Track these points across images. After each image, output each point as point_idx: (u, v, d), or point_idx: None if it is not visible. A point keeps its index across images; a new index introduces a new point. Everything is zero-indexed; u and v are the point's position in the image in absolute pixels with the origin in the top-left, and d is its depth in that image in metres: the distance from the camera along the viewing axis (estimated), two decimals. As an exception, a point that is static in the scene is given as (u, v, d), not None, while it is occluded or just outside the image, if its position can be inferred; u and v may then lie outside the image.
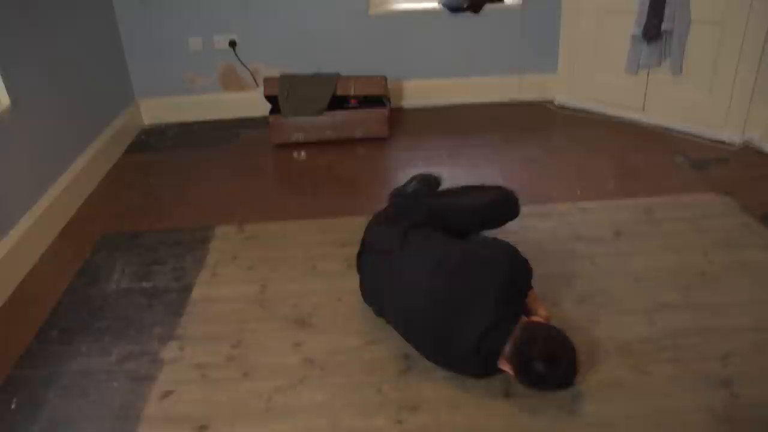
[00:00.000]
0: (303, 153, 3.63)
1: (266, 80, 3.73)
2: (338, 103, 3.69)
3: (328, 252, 2.66)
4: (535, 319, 1.96)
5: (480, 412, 1.87)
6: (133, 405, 1.98)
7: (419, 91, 4.13)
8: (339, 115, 3.67)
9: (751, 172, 3.15)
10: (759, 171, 3.15)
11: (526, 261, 2.03)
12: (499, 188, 2.46)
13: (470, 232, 2.34)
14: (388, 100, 3.81)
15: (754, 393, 1.89)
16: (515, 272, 1.98)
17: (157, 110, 4.09)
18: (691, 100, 3.51)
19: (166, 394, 2.01)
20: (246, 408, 1.94)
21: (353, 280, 2.43)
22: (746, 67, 3.23)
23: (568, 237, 2.68)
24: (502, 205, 2.38)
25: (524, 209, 2.39)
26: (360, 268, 2.26)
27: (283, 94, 3.64)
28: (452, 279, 1.96)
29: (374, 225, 2.32)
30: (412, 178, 2.71)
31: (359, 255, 2.27)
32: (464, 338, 1.86)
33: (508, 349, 1.82)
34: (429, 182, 2.68)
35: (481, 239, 2.22)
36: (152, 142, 3.88)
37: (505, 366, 1.85)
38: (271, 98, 3.74)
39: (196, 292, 2.47)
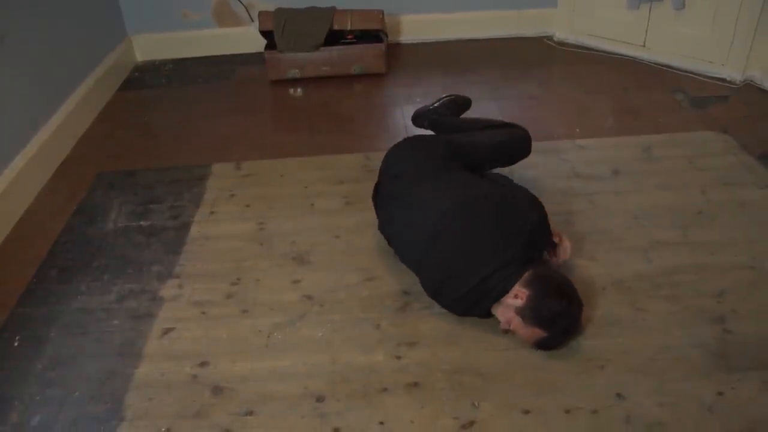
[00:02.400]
0: (299, 89, 3.58)
1: (261, 15, 3.65)
2: (335, 38, 3.63)
3: (325, 189, 2.65)
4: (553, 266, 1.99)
5: (477, 348, 1.89)
6: (134, 342, 2.00)
7: (417, 26, 4.05)
8: (335, 51, 3.61)
9: (750, 110, 3.12)
10: (759, 109, 3.13)
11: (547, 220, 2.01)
12: (512, 126, 2.42)
13: (482, 169, 2.31)
14: (386, 34, 3.74)
15: (747, 330, 1.92)
16: (542, 225, 1.97)
17: (150, 46, 4.01)
18: (692, 36, 3.45)
19: (167, 331, 2.03)
20: (246, 344, 1.96)
21: (351, 217, 2.44)
22: (750, 2, 3.17)
23: (566, 175, 2.67)
24: (517, 143, 2.36)
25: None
26: (377, 197, 2.24)
27: (278, 29, 3.57)
28: (486, 210, 1.96)
29: (398, 152, 2.27)
30: (438, 100, 2.66)
31: (377, 185, 2.25)
32: (480, 269, 1.86)
33: (521, 280, 1.84)
34: (457, 104, 2.64)
35: (512, 185, 2.21)
36: (146, 79, 3.82)
37: (518, 296, 1.83)
38: (266, 33, 3.67)
39: (194, 230, 2.47)
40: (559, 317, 1.80)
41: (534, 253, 1.94)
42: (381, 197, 2.22)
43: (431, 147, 2.25)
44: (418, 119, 2.63)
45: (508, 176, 2.39)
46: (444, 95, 2.68)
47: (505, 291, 1.84)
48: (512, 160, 2.39)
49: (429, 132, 2.56)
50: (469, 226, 1.93)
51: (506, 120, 2.53)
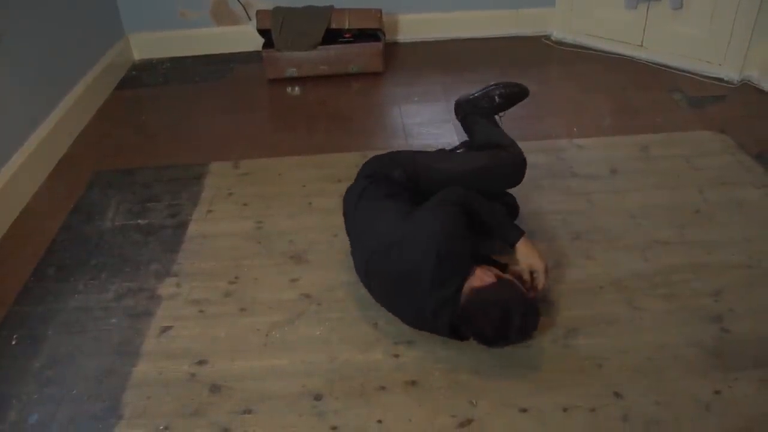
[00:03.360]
0: (297, 88, 3.58)
1: (259, 13, 3.65)
2: (332, 37, 3.62)
3: (323, 188, 2.65)
4: (477, 284, 1.77)
5: (475, 346, 1.88)
6: (132, 341, 2.00)
7: (415, 25, 4.05)
8: (333, 50, 3.60)
9: (748, 110, 3.13)
10: (756, 109, 3.13)
11: (454, 230, 1.84)
12: (504, 148, 2.21)
13: None
14: (384, 33, 3.75)
15: (744, 328, 1.92)
16: (445, 245, 1.79)
17: (147, 45, 4.00)
18: (690, 36, 3.46)
19: (165, 329, 2.03)
20: (244, 343, 1.97)
21: (349, 217, 2.44)
22: (747, 3, 3.17)
23: (564, 174, 2.67)
24: (501, 173, 2.16)
25: (521, 145, 2.34)
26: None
27: (276, 28, 3.57)
28: (387, 263, 1.89)
29: (356, 179, 2.18)
30: (485, 88, 2.43)
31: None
32: (417, 322, 1.89)
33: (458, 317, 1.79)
34: (505, 97, 2.41)
35: (427, 208, 1.94)
36: (144, 78, 3.82)
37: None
38: (263, 32, 3.67)
39: (192, 229, 2.47)
40: (502, 340, 1.79)
41: (456, 285, 1.78)
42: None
43: (383, 177, 2.12)
44: (458, 108, 2.47)
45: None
46: (492, 83, 2.44)
47: (450, 331, 1.83)
48: (494, 189, 2.17)
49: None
50: (381, 287, 1.95)
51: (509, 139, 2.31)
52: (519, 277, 1.93)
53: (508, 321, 1.73)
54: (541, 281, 1.94)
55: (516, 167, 2.16)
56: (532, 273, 1.94)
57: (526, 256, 1.93)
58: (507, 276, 1.85)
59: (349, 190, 2.17)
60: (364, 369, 1.86)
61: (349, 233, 2.12)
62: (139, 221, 2.53)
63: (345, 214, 2.15)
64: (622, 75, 3.54)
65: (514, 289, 1.79)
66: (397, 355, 1.89)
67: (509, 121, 2.48)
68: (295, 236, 2.39)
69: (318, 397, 1.78)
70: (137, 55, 4.02)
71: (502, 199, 2.25)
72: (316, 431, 1.69)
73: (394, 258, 1.87)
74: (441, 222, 1.84)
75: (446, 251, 1.79)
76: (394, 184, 2.10)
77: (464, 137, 2.49)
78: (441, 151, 2.36)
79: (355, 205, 2.08)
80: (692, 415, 1.68)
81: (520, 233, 1.95)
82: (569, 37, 3.93)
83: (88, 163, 2.95)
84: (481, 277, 1.79)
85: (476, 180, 2.11)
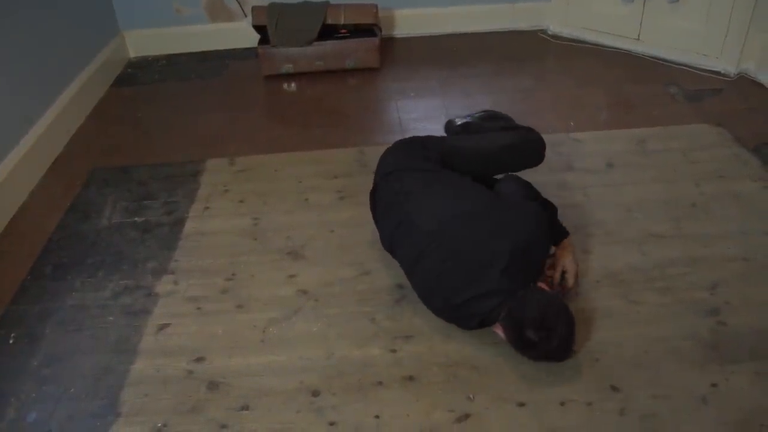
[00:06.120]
0: (293, 84, 3.58)
1: (254, 9, 3.64)
2: (328, 33, 3.62)
3: (319, 184, 2.65)
4: (540, 285, 1.87)
5: (473, 342, 1.90)
6: (130, 339, 2.00)
7: (411, 20, 4.04)
8: (329, 45, 3.60)
9: (744, 103, 3.13)
10: (753, 102, 3.13)
11: (546, 238, 1.94)
12: (526, 130, 2.30)
13: (488, 175, 2.21)
14: (379, 29, 3.74)
15: (740, 321, 1.93)
16: (531, 246, 1.87)
17: (142, 42, 3.99)
18: (687, 29, 3.45)
19: (162, 327, 2.03)
20: (241, 340, 1.97)
21: (345, 212, 2.45)
22: (744, -6, 3.18)
23: (560, 168, 2.67)
24: (527, 150, 2.24)
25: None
26: (375, 207, 2.15)
27: (271, 24, 3.56)
28: (468, 231, 1.89)
29: (392, 157, 2.17)
30: (475, 112, 2.51)
31: (374, 191, 2.16)
32: (458, 294, 1.83)
33: (502, 314, 1.77)
34: (491, 118, 2.46)
35: (511, 197, 2.04)
36: (139, 75, 3.81)
37: (498, 329, 1.82)
38: (259, 28, 3.66)
39: (189, 226, 2.47)
40: (538, 347, 1.74)
41: (523, 282, 1.84)
42: (378, 209, 2.14)
43: (425, 152, 2.16)
44: (450, 127, 2.51)
45: (524, 181, 2.13)
46: (480, 110, 2.54)
47: (487, 321, 1.82)
48: (518, 168, 2.23)
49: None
50: (448, 252, 1.87)
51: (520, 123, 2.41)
52: (549, 277, 2.02)
53: (549, 330, 1.72)
54: (570, 282, 1.99)
55: (538, 145, 2.25)
56: (563, 273, 2.00)
57: (563, 255, 2.01)
58: None
59: (387, 158, 2.18)
60: (362, 364, 1.86)
61: (392, 211, 2.07)
62: (136, 219, 2.53)
63: (387, 173, 2.13)
64: (618, 69, 3.54)
65: (567, 308, 1.79)
66: (394, 351, 1.89)
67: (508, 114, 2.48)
68: (291, 232, 2.39)
69: (315, 393, 1.78)
70: (133, 52, 4.02)
71: None
72: (313, 427, 1.70)
73: (478, 228, 1.89)
74: (538, 219, 1.92)
75: (535, 247, 1.89)
76: (429, 159, 2.14)
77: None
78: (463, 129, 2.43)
79: (412, 168, 2.09)
80: (689, 408, 1.68)
81: (567, 233, 2.05)
82: (566, 31, 3.93)
83: (84, 161, 2.94)
84: (543, 286, 1.88)
85: (503, 157, 2.22)
